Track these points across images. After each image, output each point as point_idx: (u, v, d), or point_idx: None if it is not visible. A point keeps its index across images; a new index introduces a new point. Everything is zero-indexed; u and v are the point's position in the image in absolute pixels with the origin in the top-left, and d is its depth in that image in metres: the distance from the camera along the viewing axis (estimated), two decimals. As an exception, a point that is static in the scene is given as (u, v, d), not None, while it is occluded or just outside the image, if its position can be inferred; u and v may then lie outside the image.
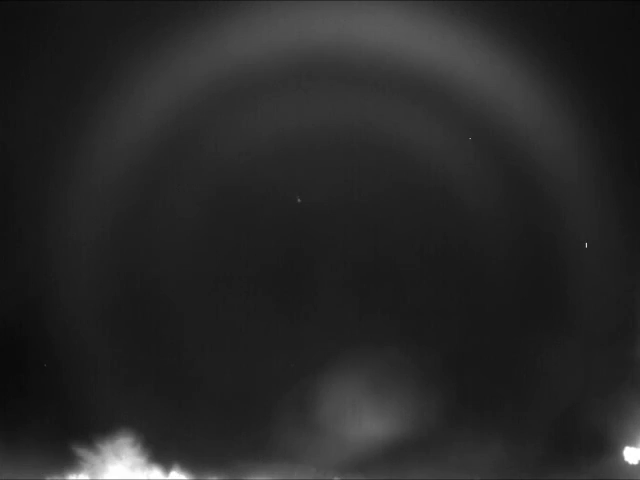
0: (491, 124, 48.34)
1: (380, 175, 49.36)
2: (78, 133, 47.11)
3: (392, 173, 49.21)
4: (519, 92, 48.14)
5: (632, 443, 44.05)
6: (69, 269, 46.40)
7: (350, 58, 47.70)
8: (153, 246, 47.58)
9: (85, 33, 47.76)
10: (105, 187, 46.92)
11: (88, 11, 47.06)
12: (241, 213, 49.10)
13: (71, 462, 38.23)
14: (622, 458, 43.93)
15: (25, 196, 47.32)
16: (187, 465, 40.32)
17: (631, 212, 47.95)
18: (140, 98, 47.03)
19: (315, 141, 48.26)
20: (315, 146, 48.32)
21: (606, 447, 43.92)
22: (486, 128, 48.43)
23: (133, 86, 46.98)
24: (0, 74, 47.12)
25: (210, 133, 48.33)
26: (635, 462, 43.73)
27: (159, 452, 39.25)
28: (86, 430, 39.72)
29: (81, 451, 38.17)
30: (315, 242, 48.64)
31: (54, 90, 47.54)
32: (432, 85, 48.04)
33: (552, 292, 48.18)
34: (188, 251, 48.02)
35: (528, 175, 48.83)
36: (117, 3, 47.05)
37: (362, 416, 45.99)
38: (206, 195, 48.39)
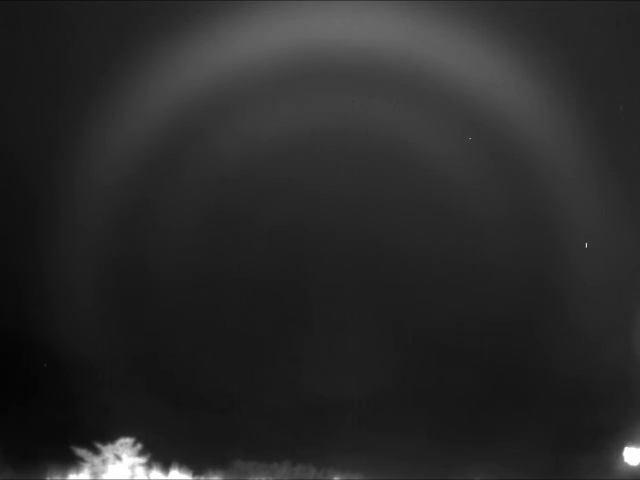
0: (491, 125, 48.41)
1: (380, 176, 49.45)
2: (79, 132, 47.27)
3: (392, 173, 49.30)
4: (520, 93, 48.20)
5: (632, 443, 44.08)
6: (70, 271, 46.48)
7: (350, 60, 47.78)
8: (153, 247, 47.67)
9: (87, 34, 47.94)
10: (106, 185, 47.07)
11: (90, 12, 47.24)
12: (241, 213, 49.22)
13: (72, 462, 38.25)
14: (622, 458, 43.97)
15: (27, 193, 47.50)
16: (187, 465, 40.37)
17: (631, 212, 48.00)
18: (144, 96, 47.14)
19: (315, 142, 48.38)
20: (315, 147, 48.45)
21: (606, 447, 43.94)
22: (486, 128, 48.51)
23: (137, 85, 47.09)
24: (4, 73, 47.35)
25: (211, 132, 48.46)
26: (635, 462, 43.76)
27: (159, 452, 39.28)
28: (86, 431, 39.74)
29: (81, 451, 38.20)
30: (315, 243, 48.75)
31: (60, 88, 47.77)
32: (432, 86, 48.11)
33: (552, 291, 48.23)
34: (188, 252, 48.14)
35: (528, 175, 48.92)
36: (120, 4, 47.18)
37: (362, 416, 46.06)
38: (207, 196, 48.50)
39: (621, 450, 44.11)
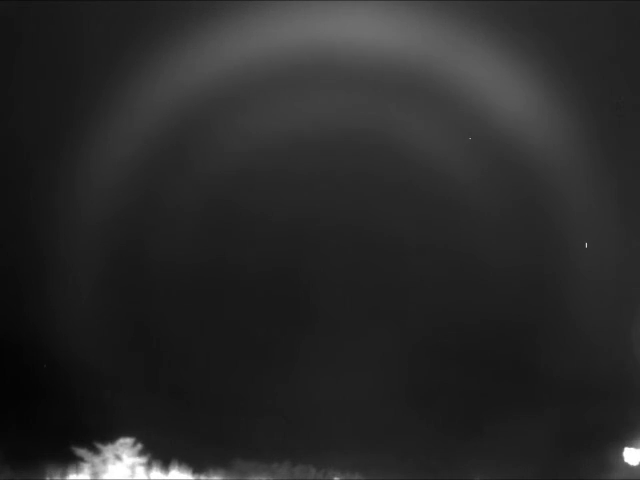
0: (491, 124, 48.42)
1: (380, 176, 49.45)
2: (84, 129, 47.32)
3: (392, 174, 49.30)
4: (519, 93, 48.22)
5: (632, 443, 44.09)
6: (71, 271, 46.49)
7: (349, 60, 47.81)
8: (156, 247, 47.68)
9: (86, 34, 47.96)
10: (104, 185, 47.10)
11: (95, 12, 47.33)
12: (241, 213, 49.23)
13: (72, 462, 38.28)
14: (622, 458, 43.97)
15: (28, 191, 47.54)
16: (187, 465, 40.39)
17: (631, 212, 48.01)
18: (146, 97, 47.20)
19: (315, 143, 48.37)
20: (314, 148, 48.44)
21: (606, 447, 43.95)
22: (486, 128, 48.51)
23: (138, 84, 47.13)
24: (7, 74, 47.39)
25: (215, 130, 48.49)
26: (635, 462, 43.77)
27: (159, 452, 39.31)
28: (86, 431, 39.74)
29: (81, 451, 38.25)
30: (314, 242, 48.73)
31: (60, 87, 47.81)
32: (432, 86, 48.12)
33: (552, 291, 48.23)
34: (190, 253, 48.13)
35: (528, 175, 48.92)
36: (119, 4, 47.22)
37: (362, 416, 46.03)
38: (211, 192, 48.53)
39: (621, 450, 44.11)
